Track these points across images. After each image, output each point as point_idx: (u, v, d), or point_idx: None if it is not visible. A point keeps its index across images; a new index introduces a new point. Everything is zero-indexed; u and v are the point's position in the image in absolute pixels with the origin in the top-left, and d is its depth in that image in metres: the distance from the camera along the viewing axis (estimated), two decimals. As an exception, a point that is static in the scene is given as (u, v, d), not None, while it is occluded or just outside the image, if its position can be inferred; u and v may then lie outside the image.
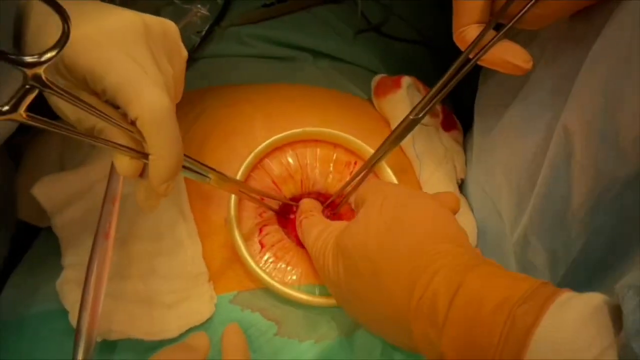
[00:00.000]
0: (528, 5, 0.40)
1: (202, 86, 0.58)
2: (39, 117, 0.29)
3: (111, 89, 0.33)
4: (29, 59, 0.28)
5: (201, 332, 0.40)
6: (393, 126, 0.56)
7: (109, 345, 0.42)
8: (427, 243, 0.35)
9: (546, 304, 0.28)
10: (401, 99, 0.56)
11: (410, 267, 0.34)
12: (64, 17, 0.28)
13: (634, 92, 0.35)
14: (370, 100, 0.60)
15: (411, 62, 0.70)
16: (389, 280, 0.35)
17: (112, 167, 0.41)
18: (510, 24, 0.41)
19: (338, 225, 0.42)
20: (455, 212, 0.40)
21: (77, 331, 0.37)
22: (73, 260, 0.43)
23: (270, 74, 0.60)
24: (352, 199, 0.48)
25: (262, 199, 0.47)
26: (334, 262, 0.39)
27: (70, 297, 0.42)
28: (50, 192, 0.45)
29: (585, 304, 0.28)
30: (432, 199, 0.40)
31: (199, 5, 0.61)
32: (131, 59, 0.33)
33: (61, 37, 0.28)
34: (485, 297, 0.30)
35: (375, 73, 0.64)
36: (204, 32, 0.61)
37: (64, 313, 0.42)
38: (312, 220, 0.44)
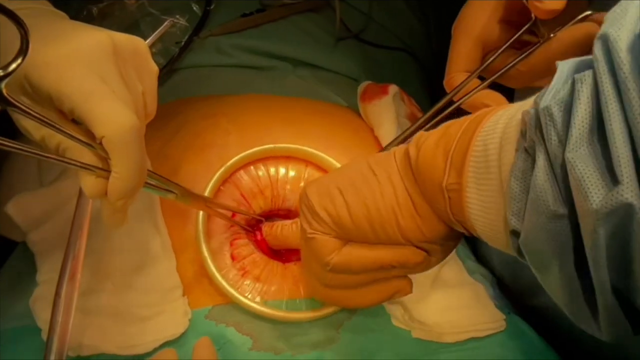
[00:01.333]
0: (513, 62, 0.46)
1: (181, 96, 0.58)
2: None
3: (78, 109, 0.32)
4: None
5: (170, 349, 0.40)
6: (377, 131, 0.56)
7: None
8: None
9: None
10: (387, 105, 0.56)
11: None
12: (23, 28, 0.28)
13: None
14: (351, 107, 0.60)
15: (391, 69, 0.70)
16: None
17: (81, 190, 0.41)
18: (496, 75, 0.46)
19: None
20: None
21: (46, 353, 0.37)
22: (48, 277, 0.43)
23: (250, 84, 0.60)
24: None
25: (233, 215, 0.47)
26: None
27: (42, 315, 0.41)
28: (24, 209, 0.45)
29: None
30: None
31: (177, 16, 0.61)
32: (98, 78, 0.33)
33: (20, 47, 0.28)
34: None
35: (356, 80, 0.64)
36: (183, 43, 0.61)
37: (39, 330, 0.41)
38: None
